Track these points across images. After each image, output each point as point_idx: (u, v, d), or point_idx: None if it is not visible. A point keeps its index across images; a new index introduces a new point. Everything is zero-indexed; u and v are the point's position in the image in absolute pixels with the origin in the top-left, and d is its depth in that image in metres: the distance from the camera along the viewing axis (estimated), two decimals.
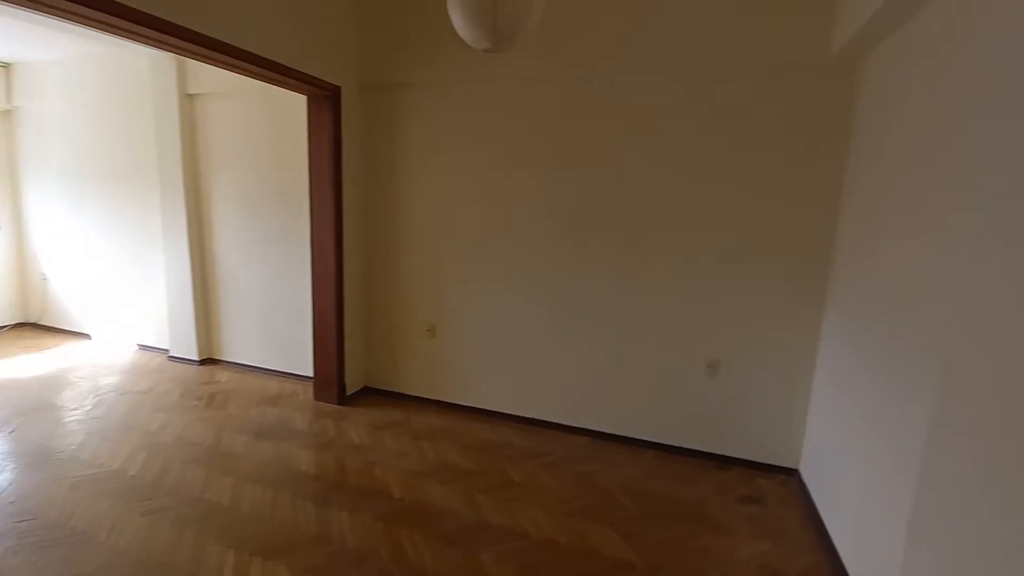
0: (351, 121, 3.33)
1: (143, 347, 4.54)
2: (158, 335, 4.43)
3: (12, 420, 3.07)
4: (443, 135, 3.24)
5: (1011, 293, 1.14)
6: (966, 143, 1.42)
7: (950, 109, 1.54)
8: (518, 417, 3.32)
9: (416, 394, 3.59)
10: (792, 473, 2.78)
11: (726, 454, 2.89)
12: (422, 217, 3.37)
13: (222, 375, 3.99)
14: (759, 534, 2.29)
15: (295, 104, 3.44)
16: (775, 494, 2.61)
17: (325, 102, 3.19)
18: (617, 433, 3.10)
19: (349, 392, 3.57)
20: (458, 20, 1.71)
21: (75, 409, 3.27)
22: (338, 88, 3.18)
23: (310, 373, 3.65)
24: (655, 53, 2.68)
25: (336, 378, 3.46)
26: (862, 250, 2.18)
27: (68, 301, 4.87)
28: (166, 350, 4.35)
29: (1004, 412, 1.13)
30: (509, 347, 3.27)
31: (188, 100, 3.90)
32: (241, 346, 4.13)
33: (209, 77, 3.77)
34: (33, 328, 5.03)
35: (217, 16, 2.35)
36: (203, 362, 4.19)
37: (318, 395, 3.55)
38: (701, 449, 2.94)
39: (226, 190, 3.95)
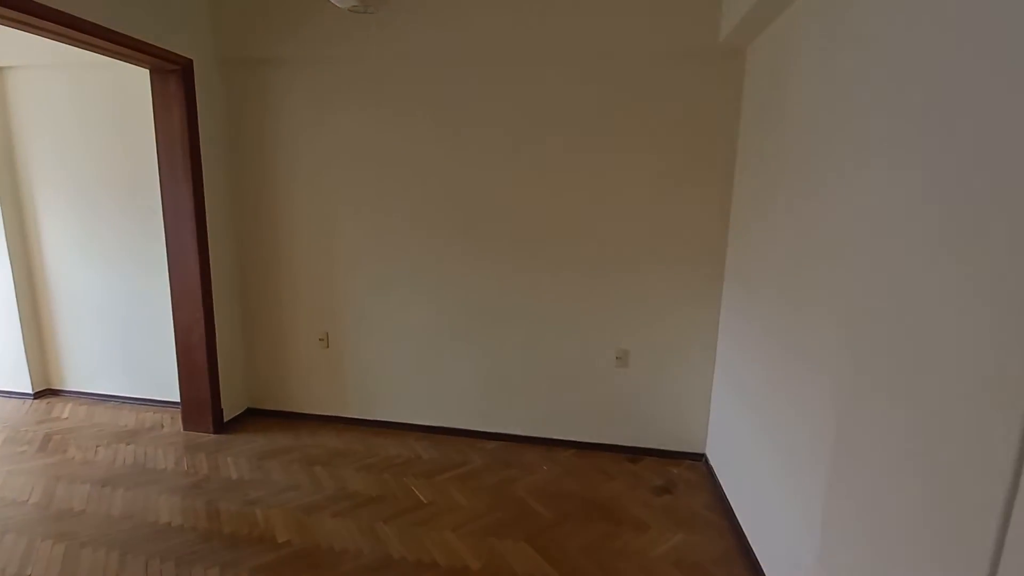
0: (210, 102, 2.84)
1: None
2: None
3: None
4: (324, 121, 2.86)
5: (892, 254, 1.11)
6: (840, 132, 1.41)
7: (826, 99, 1.54)
8: (428, 427, 3.07)
9: (311, 412, 3.20)
10: (699, 458, 2.81)
11: (638, 445, 2.87)
12: (306, 213, 2.97)
13: (63, 410, 3.30)
14: (673, 525, 2.26)
15: (142, 82, 2.85)
16: (685, 481, 2.62)
17: (173, 77, 2.67)
18: (532, 435, 2.96)
19: (228, 417, 3.09)
20: None
21: None
22: (189, 62, 2.68)
23: (178, 399, 3.11)
24: (544, 34, 2.52)
25: (209, 402, 2.97)
26: (748, 227, 2.21)
27: None
28: None
29: (906, 379, 1.10)
30: (412, 353, 3.00)
31: None
32: (88, 373, 3.44)
33: (21, 45, 3.03)
34: None
35: None
36: (39, 395, 3.45)
37: (188, 424, 3.04)
38: (615, 443, 2.89)
39: (56, 185, 3.24)
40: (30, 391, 3.41)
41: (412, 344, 2.99)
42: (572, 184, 2.69)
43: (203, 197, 2.82)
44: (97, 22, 2.19)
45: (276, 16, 2.75)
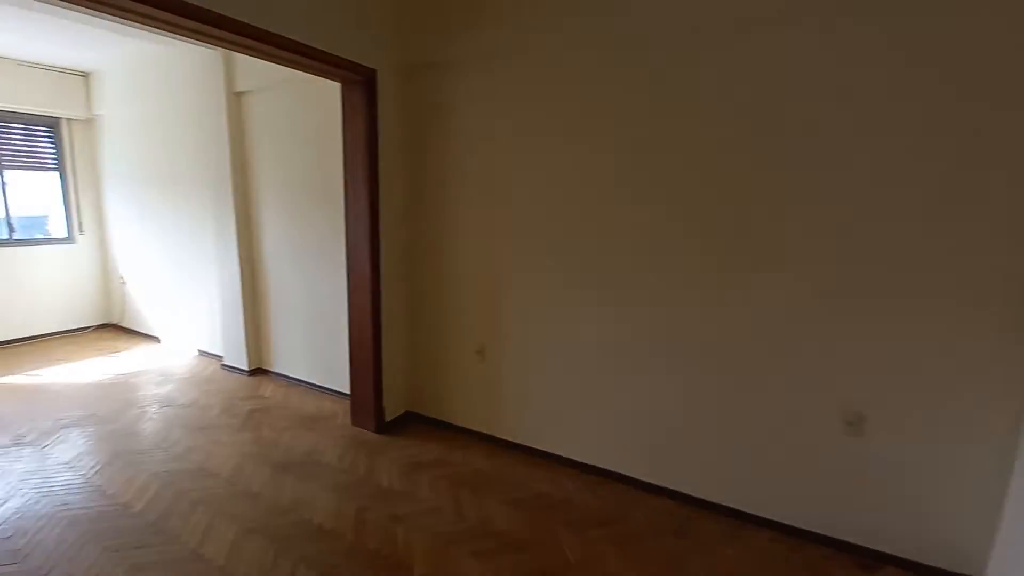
0: (388, 108, 2.87)
1: (203, 353, 4.47)
2: (214, 342, 4.32)
3: (50, 434, 2.97)
4: (496, 121, 2.67)
5: None
6: None
7: None
8: (584, 465, 2.68)
9: (463, 425, 3.07)
10: None
11: (873, 547, 2.05)
12: (472, 218, 2.84)
13: (267, 388, 3.75)
14: None
15: (337, 97, 3.05)
16: None
17: (358, 88, 2.76)
18: (716, 501, 2.35)
19: (389, 418, 3.13)
20: None
21: (115, 424, 3.12)
22: (373, 72, 2.73)
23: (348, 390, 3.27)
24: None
25: (373, 403, 3.03)
26: None
27: (142, 305, 4.97)
28: (221, 357, 4.22)
29: None
30: (577, 378, 2.64)
31: (236, 99, 3.69)
32: (287, 358, 3.87)
33: (254, 72, 3.52)
34: (114, 329, 5.20)
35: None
36: (253, 372, 3.99)
37: (355, 419, 3.15)
38: (837, 536, 2.11)
39: (272, 192, 3.70)
40: (246, 368, 3.97)
41: (576, 369, 2.63)
42: (801, 188, 2.02)
43: (378, 202, 2.88)
44: (300, 40, 2.30)
45: (457, 18, 2.66)
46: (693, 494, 2.39)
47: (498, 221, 2.74)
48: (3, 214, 4.54)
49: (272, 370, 3.97)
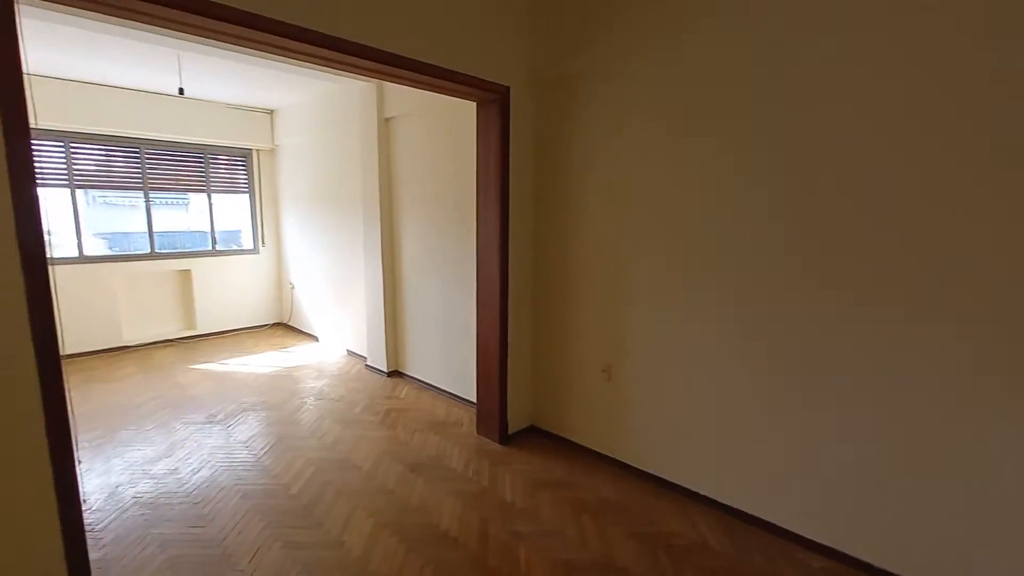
0: (520, 124, 2.92)
1: (350, 353, 4.97)
2: (360, 343, 4.77)
3: (234, 415, 3.49)
4: (624, 133, 2.56)
5: None
6: None
7: None
8: (721, 505, 2.41)
9: (588, 445, 2.96)
10: None
11: None
12: (601, 235, 2.75)
13: (402, 390, 4.02)
14: None
15: (472, 119, 3.21)
16: None
17: (493, 106, 2.84)
18: (894, 572, 1.95)
19: (512, 431, 3.14)
20: None
21: (280, 411, 3.58)
22: (506, 88, 2.80)
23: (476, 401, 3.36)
24: None
25: (498, 414, 3.07)
26: None
27: (305, 307, 5.69)
28: (365, 358, 4.64)
29: None
30: (716, 405, 2.40)
31: (385, 124, 4.07)
32: (420, 363, 4.12)
33: (400, 100, 3.84)
34: (283, 328, 6.03)
35: (392, 31, 2.22)
36: (391, 374, 4.32)
37: (480, 428, 3.22)
38: None
39: (411, 208, 3.99)
40: (385, 370, 4.31)
41: (716, 395, 2.39)
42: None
43: (507, 216, 2.93)
44: (440, 64, 2.44)
45: (593, 27, 2.61)
46: (863, 558, 2.00)
47: (630, 237, 2.61)
48: (209, 229, 5.54)
49: (407, 373, 4.26)
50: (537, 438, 3.18)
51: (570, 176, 2.85)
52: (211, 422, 3.39)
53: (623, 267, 2.66)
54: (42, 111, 4.25)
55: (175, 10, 1.66)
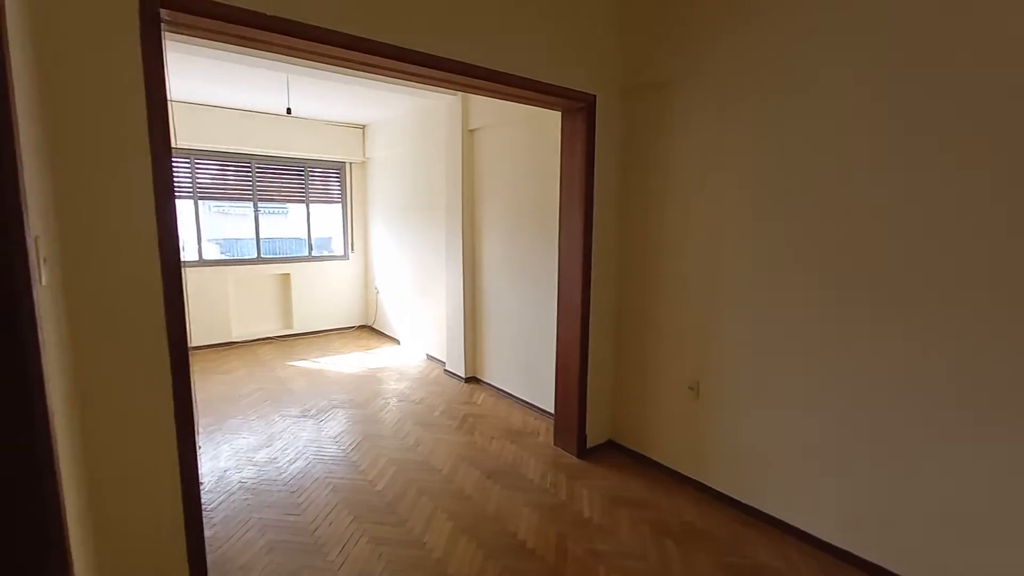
0: (607, 133, 2.88)
1: (430, 357, 5.13)
2: (440, 348, 4.92)
3: (325, 411, 3.72)
4: (724, 142, 2.44)
5: None
6: None
7: None
8: (819, 541, 2.20)
9: (670, 465, 2.83)
10: None
11: None
12: (691, 245, 2.63)
13: (479, 396, 4.08)
14: None
15: (554, 127, 3.22)
16: None
17: (579, 115, 2.83)
18: None
19: (590, 444, 3.08)
20: None
21: (365, 410, 3.77)
22: (593, 97, 2.77)
23: (554, 409, 3.33)
24: None
25: (576, 426, 3.02)
26: None
27: (389, 311, 5.97)
28: (444, 362, 4.77)
29: None
30: (816, 433, 2.20)
31: (469, 135, 4.18)
32: (497, 370, 4.16)
33: (484, 111, 3.94)
34: (368, 330, 6.36)
35: (478, 44, 2.29)
36: (468, 380, 4.41)
37: (557, 440, 3.19)
38: None
39: (491, 216, 4.06)
40: (463, 375, 4.40)
41: (819, 423, 2.19)
42: None
43: (591, 226, 2.89)
44: (526, 76, 2.47)
45: (683, 35, 2.53)
46: None
47: (726, 249, 2.48)
48: (307, 236, 5.99)
49: (484, 380, 4.32)
50: (615, 453, 3.09)
51: (660, 182, 2.76)
52: (305, 416, 3.63)
53: (718, 277, 2.52)
54: (176, 132, 4.83)
55: (290, 37, 1.82)
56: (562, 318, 3.08)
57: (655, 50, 2.69)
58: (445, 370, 4.67)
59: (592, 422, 3.07)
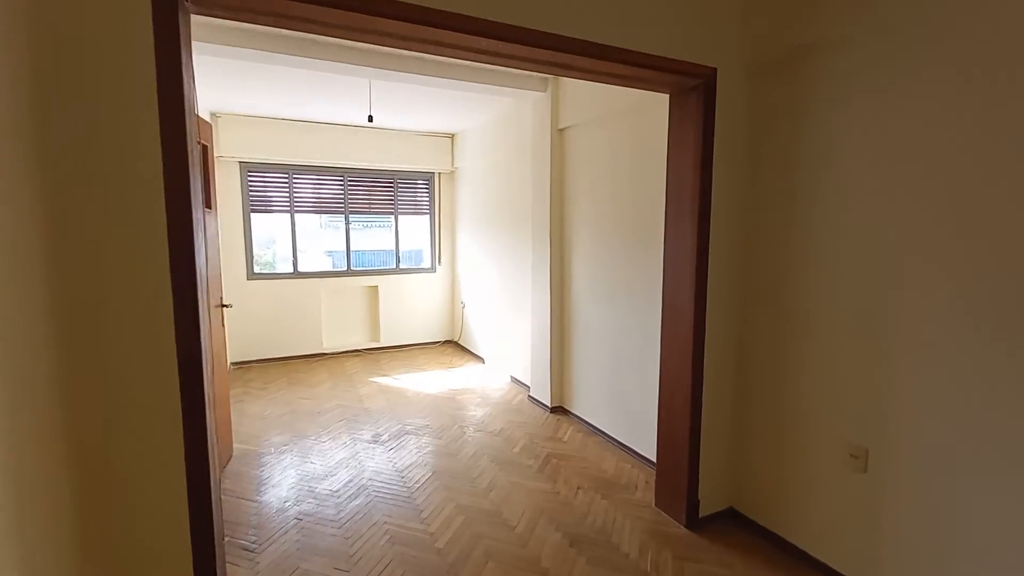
0: (729, 116, 2.26)
1: (514, 380, 4.71)
2: (525, 371, 4.48)
3: (397, 437, 3.43)
4: (918, 124, 1.73)
5: None
6: None
7: None
8: None
9: (817, 555, 2.09)
10: None
11: None
12: (851, 262, 1.92)
13: (566, 430, 3.56)
14: None
15: (657, 121, 2.68)
16: None
17: (693, 96, 2.24)
18: None
19: (704, 512, 2.42)
20: None
21: (440, 439, 3.42)
22: (712, 71, 2.18)
23: (655, 457, 2.72)
24: None
25: (685, 487, 2.39)
26: None
27: (474, 327, 5.67)
28: (528, 387, 4.32)
29: None
30: None
31: (559, 135, 3.73)
32: (587, 402, 3.61)
33: (575, 107, 3.47)
34: (453, 346, 6.12)
35: (568, 12, 1.84)
36: (554, 410, 3.90)
37: (660, 500, 2.57)
38: None
39: (583, 225, 3.55)
40: (548, 404, 3.91)
41: None
42: None
43: (707, 233, 2.27)
44: (623, 46, 1.96)
45: None
46: None
47: (907, 267, 1.75)
48: (394, 248, 5.91)
49: (572, 411, 3.79)
50: (739, 528, 2.40)
51: (807, 177, 2.08)
52: (376, 441, 3.37)
53: (894, 305, 1.79)
54: (273, 148, 4.96)
55: (341, 10, 1.50)
56: (667, 350, 2.48)
57: (801, 4, 2.04)
58: (529, 396, 4.21)
59: (707, 483, 2.41)
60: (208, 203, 2.93)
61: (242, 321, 5.13)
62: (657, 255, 2.70)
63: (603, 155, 3.32)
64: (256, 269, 5.28)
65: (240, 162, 5.03)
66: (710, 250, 2.29)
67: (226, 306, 3.10)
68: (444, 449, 3.26)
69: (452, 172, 6.00)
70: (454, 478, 2.88)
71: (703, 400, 2.38)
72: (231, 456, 3.15)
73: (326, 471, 2.95)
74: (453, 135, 5.77)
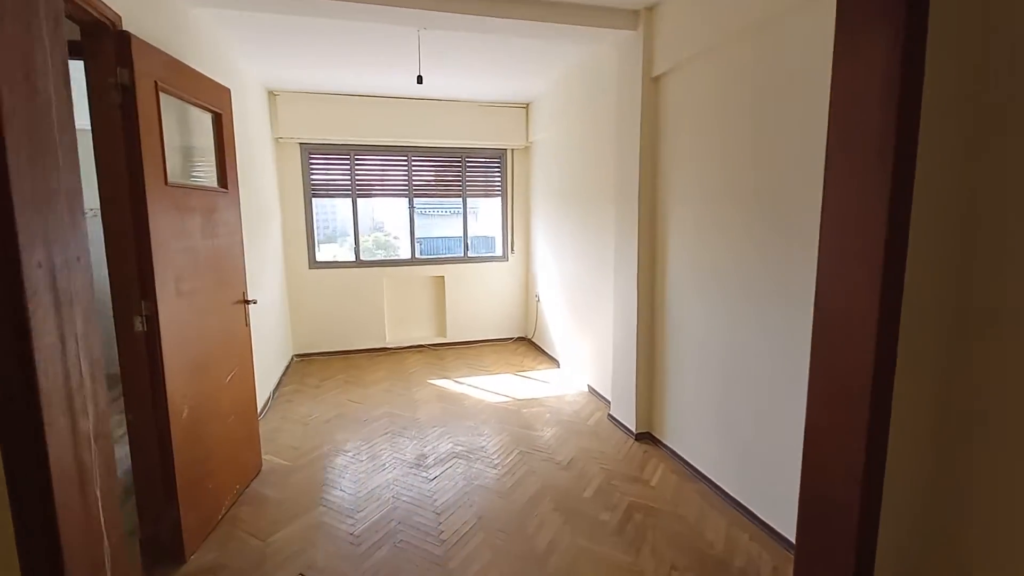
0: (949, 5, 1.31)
1: (592, 391, 3.96)
2: (604, 382, 3.71)
3: (444, 463, 2.85)
4: None
5: None
6: None
7: None
8: None
9: None
10: None
11: None
12: None
13: (654, 468, 2.76)
14: None
15: (802, 38, 1.77)
16: None
17: None
18: None
19: None
20: None
21: (495, 469, 2.79)
22: None
23: (789, 532, 1.87)
24: None
25: None
26: None
27: (549, 324, 4.97)
28: (609, 403, 3.55)
29: None
30: None
31: (652, 85, 2.88)
32: (685, 432, 2.77)
33: (677, 42, 2.60)
34: (526, 344, 5.47)
35: None
36: (639, 437, 3.11)
37: None
38: None
39: (684, 200, 2.69)
40: (633, 429, 3.11)
41: None
42: None
43: (909, 195, 1.35)
44: None
45: None
46: None
47: None
48: (462, 235, 5.36)
49: (663, 441, 2.97)
50: None
51: None
52: (419, 465, 2.82)
53: None
54: (333, 126, 4.59)
55: None
56: (820, 377, 1.60)
57: None
58: (609, 415, 3.44)
59: None
60: (224, 182, 2.51)
61: (305, 313, 4.89)
62: (799, 234, 1.82)
63: (713, 102, 2.43)
64: (319, 257, 5.01)
65: (300, 144, 4.73)
66: (911, 223, 1.37)
67: (250, 302, 2.69)
68: (497, 484, 2.62)
69: (527, 147, 5.29)
70: (503, 531, 2.23)
71: (886, 454, 1.48)
72: (259, 471, 2.77)
73: (354, 504, 2.44)
74: (528, 104, 5.05)
